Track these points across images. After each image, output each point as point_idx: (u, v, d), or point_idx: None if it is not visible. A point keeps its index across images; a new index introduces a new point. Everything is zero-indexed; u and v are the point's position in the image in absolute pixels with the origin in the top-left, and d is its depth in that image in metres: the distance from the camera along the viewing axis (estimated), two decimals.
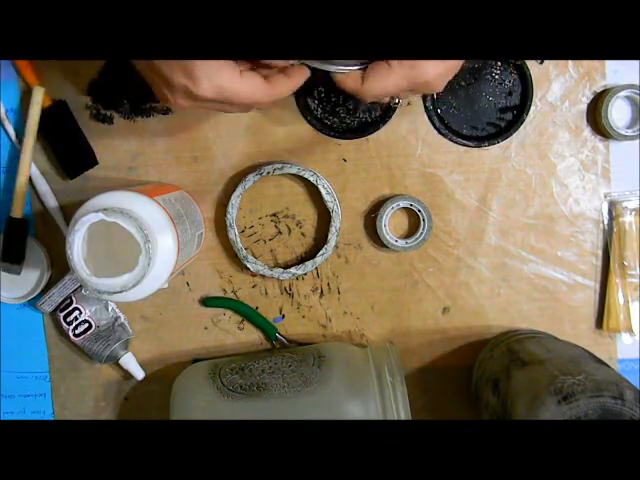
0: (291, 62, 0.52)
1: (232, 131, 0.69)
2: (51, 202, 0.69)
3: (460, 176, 0.69)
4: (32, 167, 0.68)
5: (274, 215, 0.70)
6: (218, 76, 0.48)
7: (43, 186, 0.69)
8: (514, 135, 0.68)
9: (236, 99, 0.50)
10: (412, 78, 0.51)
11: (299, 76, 0.53)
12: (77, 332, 0.69)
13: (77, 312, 0.69)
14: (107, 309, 0.70)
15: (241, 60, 0.51)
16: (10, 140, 0.69)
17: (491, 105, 0.68)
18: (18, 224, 0.67)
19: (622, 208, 0.68)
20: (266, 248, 0.70)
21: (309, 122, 0.68)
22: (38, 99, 0.66)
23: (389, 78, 0.51)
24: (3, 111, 0.68)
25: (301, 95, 0.67)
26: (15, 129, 0.69)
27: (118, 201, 0.56)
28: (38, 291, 0.69)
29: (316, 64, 0.52)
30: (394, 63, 0.50)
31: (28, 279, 0.70)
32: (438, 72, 0.52)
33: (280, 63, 0.51)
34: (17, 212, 0.67)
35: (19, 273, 0.68)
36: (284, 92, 0.52)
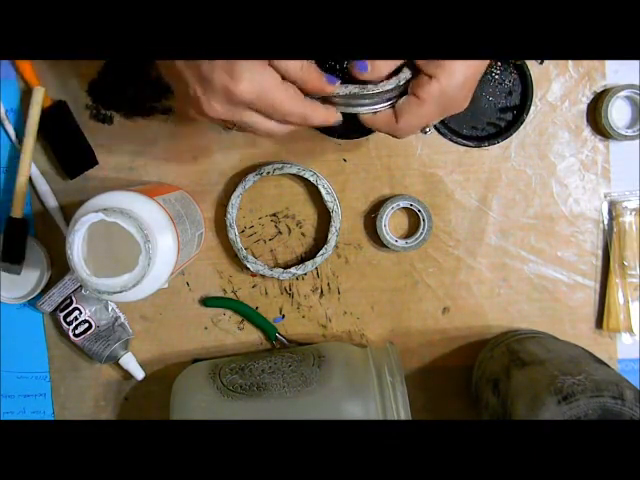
0: (330, 90, 0.51)
1: (232, 131, 0.69)
2: (51, 202, 0.69)
3: (460, 176, 0.69)
4: (32, 167, 0.68)
5: (274, 215, 0.70)
6: (261, 78, 0.47)
7: (43, 186, 0.69)
8: (514, 135, 0.68)
9: (273, 107, 0.49)
10: (443, 106, 0.51)
11: (333, 114, 0.52)
12: (77, 332, 0.69)
13: (77, 312, 0.69)
14: (107, 309, 0.70)
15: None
16: (10, 140, 0.69)
17: (491, 105, 0.68)
18: (18, 224, 0.67)
19: (622, 208, 0.68)
20: (266, 248, 0.70)
21: None
22: (38, 99, 0.66)
23: (422, 112, 0.51)
24: (3, 111, 0.68)
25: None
26: (15, 129, 0.69)
27: (118, 201, 0.56)
28: (38, 291, 0.69)
29: (342, 108, 0.52)
30: (424, 96, 0.50)
31: (28, 279, 0.70)
32: (465, 95, 0.52)
33: (321, 87, 0.50)
34: (17, 212, 0.67)
35: (19, 273, 0.68)
36: (317, 119, 0.51)
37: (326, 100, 0.52)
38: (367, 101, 0.52)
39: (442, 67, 0.49)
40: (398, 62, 0.51)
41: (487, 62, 0.54)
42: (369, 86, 0.51)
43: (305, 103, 0.50)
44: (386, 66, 0.51)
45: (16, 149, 0.68)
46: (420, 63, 0.50)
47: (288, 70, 0.48)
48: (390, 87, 0.51)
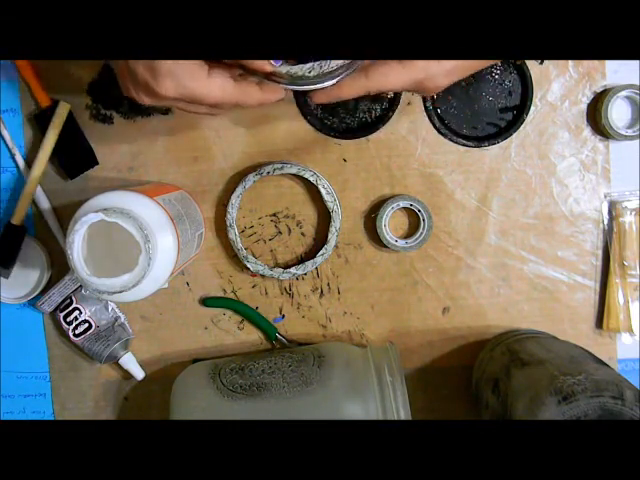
0: (269, 69, 0.50)
1: (232, 131, 0.69)
2: (44, 204, 0.69)
3: (460, 176, 0.69)
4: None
5: (274, 215, 0.70)
6: (182, 75, 0.47)
7: (38, 190, 0.69)
8: (514, 135, 0.68)
9: (200, 100, 0.49)
10: (420, 80, 0.51)
11: (272, 93, 0.52)
12: (77, 332, 0.69)
13: (77, 312, 0.69)
14: (107, 309, 0.70)
15: (214, 60, 0.49)
16: (6, 145, 0.69)
17: (491, 105, 0.68)
18: (16, 231, 0.67)
19: (622, 208, 0.68)
20: (266, 248, 0.70)
21: (309, 122, 0.68)
22: (62, 114, 0.66)
23: (398, 74, 0.50)
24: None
25: (301, 95, 0.67)
26: (11, 131, 0.69)
27: (118, 201, 0.56)
28: (38, 291, 0.69)
29: (287, 86, 0.51)
30: (407, 62, 0.50)
31: (28, 279, 0.70)
32: (445, 83, 0.52)
33: (261, 66, 0.49)
34: (17, 220, 0.67)
35: (7, 277, 0.68)
36: (251, 101, 0.51)
37: (271, 78, 0.51)
38: (316, 80, 0.51)
39: None
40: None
41: (479, 65, 0.54)
42: (314, 65, 0.50)
43: (235, 90, 0.50)
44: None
45: (15, 149, 0.69)
46: None
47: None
48: (337, 66, 0.50)
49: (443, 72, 0.51)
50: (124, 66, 0.49)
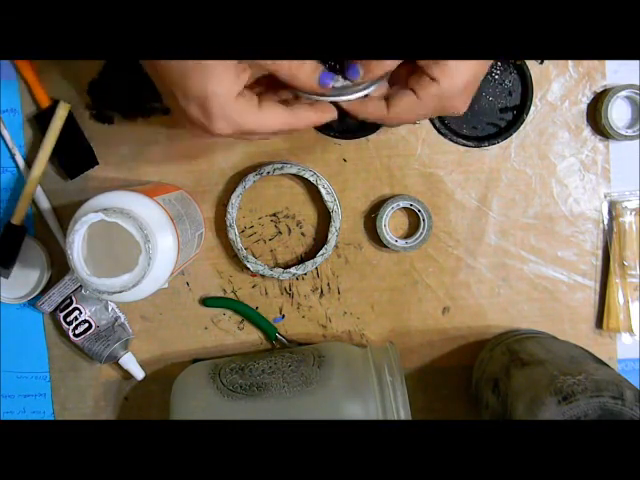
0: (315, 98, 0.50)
1: None
2: (44, 204, 0.69)
3: (460, 176, 0.69)
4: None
5: (274, 215, 0.70)
6: (234, 113, 0.47)
7: (37, 189, 0.69)
8: (514, 135, 0.68)
9: (252, 133, 0.49)
10: (440, 107, 0.51)
11: (325, 113, 0.51)
12: (77, 332, 0.69)
13: (77, 312, 0.69)
14: (107, 309, 0.70)
15: (262, 86, 0.49)
16: (6, 145, 0.69)
17: (491, 105, 0.68)
18: (16, 231, 0.67)
19: (622, 208, 0.68)
20: (266, 248, 0.70)
21: None
22: (62, 114, 0.66)
23: (416, 108, 0.51)
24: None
25: None
26: (11, 131, 0.69)
27: (118, 201, 0.56)
28: (38, 291, 0.69)
29: (330, 98, 0.51)
30: (421, 94, 0.50)
31: (28, 279, 0.70)
32: (464, 100, 0.52)
33: (311, 87, 0.49)
34: (17, 219, 0.67)
35: (7, 277, 0.68)
36: (306, 124, 0.51)
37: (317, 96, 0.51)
38: (346, 91, 0.51)
39: (443, 70, 0.49)
40: (392, 63, 0.50)
41: (487, 67, 0.54)
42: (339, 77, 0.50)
43: (288, 117, 0.50)
44: (378, 69, 0.50)
45: (15, 149, 0.69)
46: (422, 63, 0.50)
47: (279, 73, 0.48)
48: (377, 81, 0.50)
49: (457, 91, 0.50)
50: (174, 103, 0.48)
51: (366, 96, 0.51)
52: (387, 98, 0.52)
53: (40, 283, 0.69)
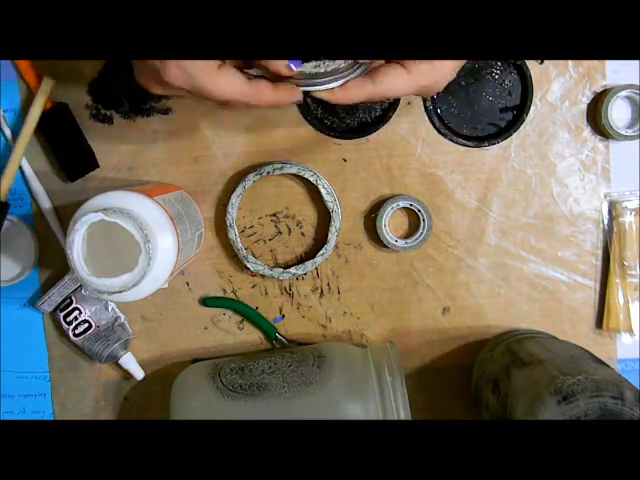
0: (286, 73, 0.49)
1: (232, 131, 0.69)
2: (45, 204, 0.69)
3: (460, 176, 0.69)
4: (29, 169, 0.68)
5: (274, 215, 0.70)
6: (191, 65, 0.46)
7: (38, 188, 0.69)
8: (514, 135, 0.68)
9: (208, 92, 0.48)
10: (425, 84, 0.51)
11: (287, 94, 0.50)
12: (77, 332, 0.69)
13: (77, 312, 0.69)
14: (107, 309, 0.70)
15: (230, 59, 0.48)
16: (6, 140, 0.69)
17: (491, 105, 0.68)
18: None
19: (622, 208, 0.68)
20: (266, 248, 0.70)
21: (309, 122, 0.68)
22: (46, 89, 0.66)
23: (403, 81, 0.50)
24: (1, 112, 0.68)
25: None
26: (13, 130, 0.69)
27: (118, 201, 0.56)
28: (30, 271, 0.69)
29: (302, 87, 0.50)
30: (412, 68, 0.50)
31: (18, 259, 0.69)
32: (447, 80, 0.52)
33: (277, 68, 0.48)
34: (1, 195, 0.67)
35: None
36: (266, 101, 0.49)
37: (284, 79, 0.50)
38: (322, 80, 0.50)
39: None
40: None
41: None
42: (326, 63, 0.49)
43: (246, 88, 0.48)
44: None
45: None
46: None
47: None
48: (347, 64, 0.50)
49: (447, 72, 0.51)
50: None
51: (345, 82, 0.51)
52: (370, 72, 0.51)
53: (29, 263, 0.69)
